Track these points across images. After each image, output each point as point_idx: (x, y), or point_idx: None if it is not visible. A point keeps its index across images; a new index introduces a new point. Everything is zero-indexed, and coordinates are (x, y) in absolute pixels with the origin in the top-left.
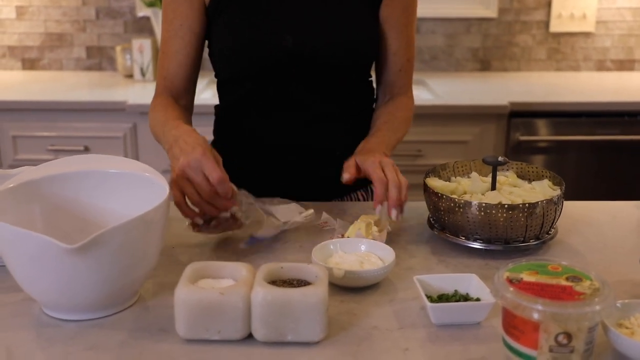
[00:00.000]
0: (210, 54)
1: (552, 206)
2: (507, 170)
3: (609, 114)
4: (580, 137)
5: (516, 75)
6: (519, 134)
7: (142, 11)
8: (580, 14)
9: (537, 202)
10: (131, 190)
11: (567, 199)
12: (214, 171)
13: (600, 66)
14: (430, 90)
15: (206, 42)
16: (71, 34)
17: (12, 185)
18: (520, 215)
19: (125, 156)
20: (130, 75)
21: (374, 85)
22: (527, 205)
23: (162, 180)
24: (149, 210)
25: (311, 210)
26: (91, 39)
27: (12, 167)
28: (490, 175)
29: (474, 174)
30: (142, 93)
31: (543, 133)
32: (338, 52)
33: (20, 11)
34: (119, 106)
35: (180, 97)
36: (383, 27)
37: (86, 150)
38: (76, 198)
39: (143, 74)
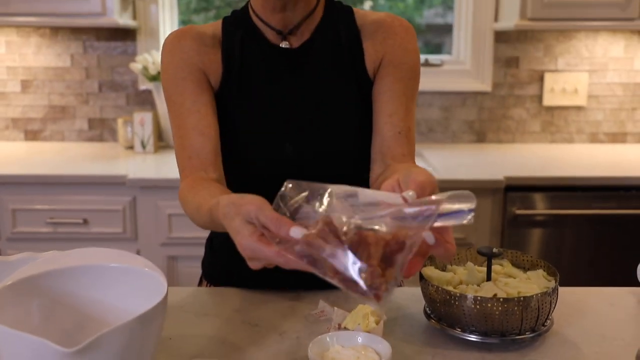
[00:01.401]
0: None
1: (547, 298)
2: (503, 259)
3: (604, 188)
4: (576, 210)
5: (511, 147)
6: (515, 207)
7: (144, 85)
8: (571, 89)
9: (532, 295)
10: (130, 284)
11: (564, 272)
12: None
13: (593, 138)
14: (427, 163)
15: None
16: (74, 107)
17: (10, 282)
18: (516, 308)
19: (124, 229)
20: (131, 147)
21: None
22: (522, 298)
23: (161, 276)
24: (147, 310)
25: None
26: (93, 111)
27: (10, 239)
28: (486, 263)
29: (470, 264)
30: (142, 166)
31: (540, 207)
32: (339, 159)
33: (25, 85)
34: (119, 180)
35: (210, 172)
36: (377, 98)
37: (85, 223)
38: (75, 293)
39: (144, 146)
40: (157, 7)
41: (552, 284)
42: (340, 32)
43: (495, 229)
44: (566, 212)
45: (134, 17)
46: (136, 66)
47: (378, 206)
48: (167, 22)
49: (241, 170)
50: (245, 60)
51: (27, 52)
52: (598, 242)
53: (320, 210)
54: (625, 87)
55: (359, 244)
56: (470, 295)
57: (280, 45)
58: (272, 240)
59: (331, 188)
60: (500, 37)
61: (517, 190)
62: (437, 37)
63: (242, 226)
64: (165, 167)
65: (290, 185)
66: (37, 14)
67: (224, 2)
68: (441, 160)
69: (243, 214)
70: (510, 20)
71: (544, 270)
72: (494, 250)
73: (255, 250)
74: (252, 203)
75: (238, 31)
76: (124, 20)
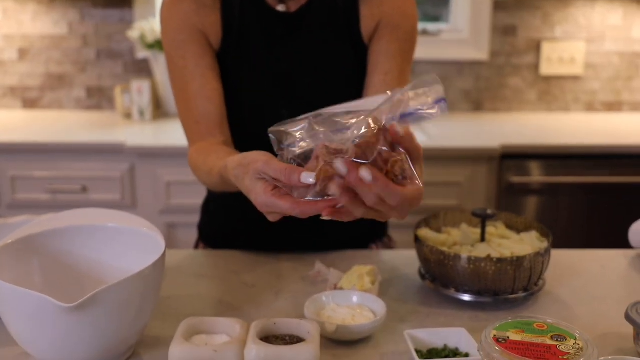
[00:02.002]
0: None
1: (540, 259)
2: (497, 221)
3: (599, 156)
4: (572, 178)
5: (508, 116)
6: (510, 175)
7: (142, 53)
8: (569, 58)
9: (525, 255)
10: (129, 245)
11: (559, 240)
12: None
13: (590, 107)
14: (423, 131)
15: None
16: (72, 75)
17: (10, 241)
18: (509, 267)
19: (123, 196)
20: (129, 115)
21: None
22: (515, 258)
23: (158, 235)
24: (145, 268)
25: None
26: (91, 79)
27: (10, 206)
28: (480, 225)
29: (464, 226)
30: (140, 134)
31: (535, 174)
32: None
33: (22, 53)
34: (117, 148)
35: (217, 135)
36: (372, 59)
37: (84, 190)
38: (74, 252)
39: (142, 114)
40: None
41: (545, 244)
42: None
43: (490, 196)
44: (561, 179)
45: None
46: (133, 34)
47: (347, 114)
48: None
49: (240, 128)
50: (244, 22)
51: (24, 19)
52: (592, 209)
53: (308, 142)
54: (622, 56)
55: (363, 151)
56: (464, 255)
57: (277, 8)
58: (287, 190)
59: (303, 118)
60: (499, 5)
61: (512, 158)
62: (434, 9)
63: (253, 184)
64: (163, 134)
65: (279, 132)
66: None
67: None
68: (437, 129)
69: (252, 172)
70: None
71: (537, 232)
72: (488, 212)
73: (270, 205)
74: (258, 160)
75: None
76: None
